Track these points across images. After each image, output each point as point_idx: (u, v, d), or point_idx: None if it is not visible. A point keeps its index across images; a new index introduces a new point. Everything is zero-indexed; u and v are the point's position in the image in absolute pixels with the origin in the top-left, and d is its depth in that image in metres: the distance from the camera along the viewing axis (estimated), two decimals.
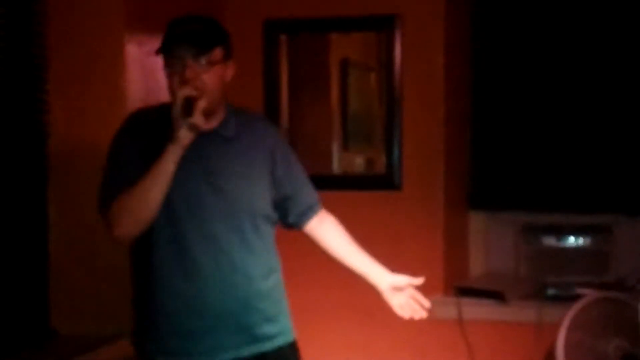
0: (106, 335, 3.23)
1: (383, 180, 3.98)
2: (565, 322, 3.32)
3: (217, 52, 2.33)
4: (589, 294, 3.49)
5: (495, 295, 3.86)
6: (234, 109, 2.49)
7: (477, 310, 3.88)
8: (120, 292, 3.28)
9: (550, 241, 4.06)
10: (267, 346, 2.44)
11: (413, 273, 3.89)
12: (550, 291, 3.91)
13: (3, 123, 3.09)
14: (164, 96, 3.52)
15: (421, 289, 3.89)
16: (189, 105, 2.25)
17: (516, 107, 4.12)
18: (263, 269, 2.44)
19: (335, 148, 4.13)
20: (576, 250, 4.05)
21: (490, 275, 4.17)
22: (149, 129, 2.34)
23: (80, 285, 3.30)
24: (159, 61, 3.48)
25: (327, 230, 2.59)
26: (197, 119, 2.24)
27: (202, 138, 2.30)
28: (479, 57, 4.16)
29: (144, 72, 3.41)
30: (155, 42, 3.45)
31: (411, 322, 3.89)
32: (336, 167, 4.16)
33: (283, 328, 2.50)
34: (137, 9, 3.34)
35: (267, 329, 2.43)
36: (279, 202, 2.49)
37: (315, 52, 4.21)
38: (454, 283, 3.98)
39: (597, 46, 3.99)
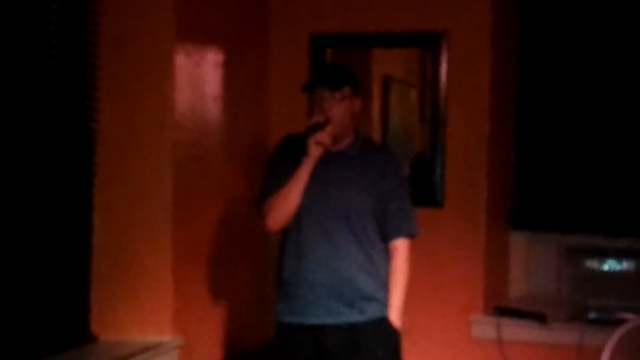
0: (146, 343, 3.25)
1: (425, 197, 3.96)
2: (609, 347, 3.27)
3: (347, 90, 3.02)
4: (633, 319, 3.44)
5: (536, 317, 3.82)
6: (364, 138, 3.17)
7: (517, 331, 3.84)
8: (161, 300, 3.32)
9: (593, 264, 4.02)
10: (362, 318, 3.03)
11: (453, 291, 3.91)
12: (592, 314, 3.86)
13: (52, 128, 3.13)
14: (210, 106, 3.60)
15: (461, 307, 3.90)
16: (317, 128, 2.94)
17: (560, 127, 4.09)
18: (368, 257, 3.04)
19: None
20: (619, 273, 4.00)
21: (531, 296, 4.13)
22: (295, 149, 3.04)
23: (122, 292, 3.32)
24: (206, 72, 3.56)
25: (391, 260, 3.13)
26: (323, 136, 2.94)
27: (331, 158, 3.00)
28: (524, 76, 4.14)
29: (192, 81, 3.44)
30: (203, 53, 3.53)
31: (450, 340, 3.90)
32: None
33: (377, 306, 3.05)
34: (187, 21, 3.37)
35: (364, 304, 3.03)
36: (379, 214, 3.08)
37: (359, 67, 4.21)
38: (493, 303, 3.95)
39: None
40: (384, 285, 3.08)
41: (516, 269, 4.19)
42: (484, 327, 3.88)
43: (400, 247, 3.10)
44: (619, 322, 3.48)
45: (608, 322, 3.68)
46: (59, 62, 3.14)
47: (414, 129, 4.14)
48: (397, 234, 3.10)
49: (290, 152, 3.07)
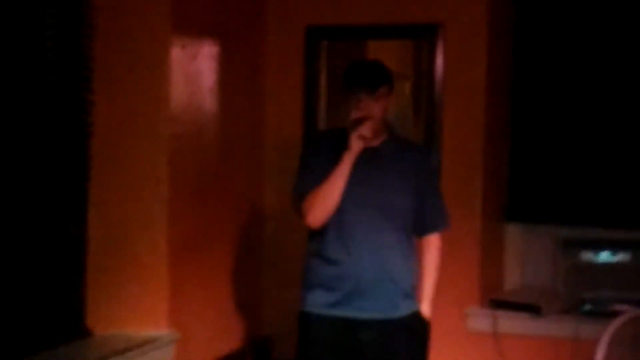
0: (141, 337, 3.24)
1: None
2: (605, 338, 3.27)
3: (383, 90, 3.06)
4: (629, 311, 3.45)
5: (532, 309, 3.83)
6: (396, 135, 3.23)
7: (512, 323, 3.85)
8: (157, 294, 3.31)
9: (588, 256, 4.02)
10: (397, 314, 3.10)
11: (448, 283, 3.90)
12: (587, 306, 3.87)
13: (48, 121, 3.11)
14: (206, 99, 3.58)
15: (457, 300, 3.90)
16: (359, 123, 2.98)
17: (556, 119, 4.09)
18: (404, 253, 3.11)
19: None
20: (614, 265, 4.00)
21: (526, 288, 4.13)
22: (330, 144, 3.10)
23: (117, 286, 3.30)
24: (202, 64, 3.54)
25: (425, 254, 3.25)
26: (365, 130, 2.97)
27: (367, 154, 3.02)
28: (519, 68, 4.13)
29: (188, 75, 3.42)
30: (199, 46, 3.50)
31: (446, 333, 3.90)
32: None
33: (411, 301, 3.15)
34: (183, 14, 3.34)
35: (401, 300, 3.10)
36: (415, 210, 3.14)
37: (354, 59, 4.20)
38: (489, 295, 3.95)
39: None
40: (416, 281, 3.18)
41: (511, 261, 4.19)
42: (480, 320, 3.88)
43: (436, 240, 3.22)
44: (614, 315, 3.49)
45: (603, 315, 3.68)
46: (54, 55, 3.11)
47: (409, 121, 4.12)
48: (434, 229, 3.20)
49: (324, 148, 3.12)
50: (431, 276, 3.20)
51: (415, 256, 3.17)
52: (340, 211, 3.02)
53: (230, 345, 3.80)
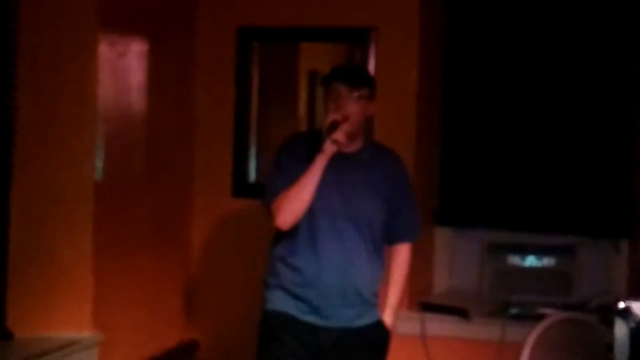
0: (64, 339, 3.17)
1: None
2: (530, 341, 3.33)
3: (365, 90, 2.99)
4: (553, 314, 3.51)
5: (459, 312, 3.86)
6: (373, 142, 3.21)
7: (440, 326, 3.88)
8: (81, 295, 3.24)
9: (514, 260, 4.09)
10: (359, 323, 3.07)
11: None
12: (513, 310, 3.92)
13: None
14: (134, 98, 3.53)
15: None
16: (335, 126, 2.91)
17: (486, 125, 4.14)
18: (371, 263, 3.07)
19: None
20: (539, 270, 4.08)
21: (454, 291, 4.17)
22: (305, 147, 3.04)
23: (40, 287, 3.22)
24: (129, 62, 3.48)
25: (392, 262, 3.22)
26: (339, 135, 2.91)
27: (344, 161, 2.99)
28: (450, 74, 4.17)
29: (115, 72, 3.37)
30: (128, 43, 3.45)
31: None
32: None
33: (374, 311, 3.13)
34: (110, 10, 3.29)
35: (364, 310, 3.08)
36: (387, 218, 3.11)
37: (286, 61, 4.20)
38: (418, 298, 3.97)
39: (567, 67, 4.03)
40: (378, 291, 3.15)
41: (440, 265, 4.23)
42: (409, 323, 3.89)
43: (405, 250, 3.20)
44: (539, 318, 3.55)
45: (529, 318, 3.75)
46: None
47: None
48: (405, 238, 3.18)
49: (299, 150, 3.05)
50: (397, 286, 3.17)
51: (382, 266, 3.14)
52: (311, 217, 2.97)
53: (156, 349, 3.74)
